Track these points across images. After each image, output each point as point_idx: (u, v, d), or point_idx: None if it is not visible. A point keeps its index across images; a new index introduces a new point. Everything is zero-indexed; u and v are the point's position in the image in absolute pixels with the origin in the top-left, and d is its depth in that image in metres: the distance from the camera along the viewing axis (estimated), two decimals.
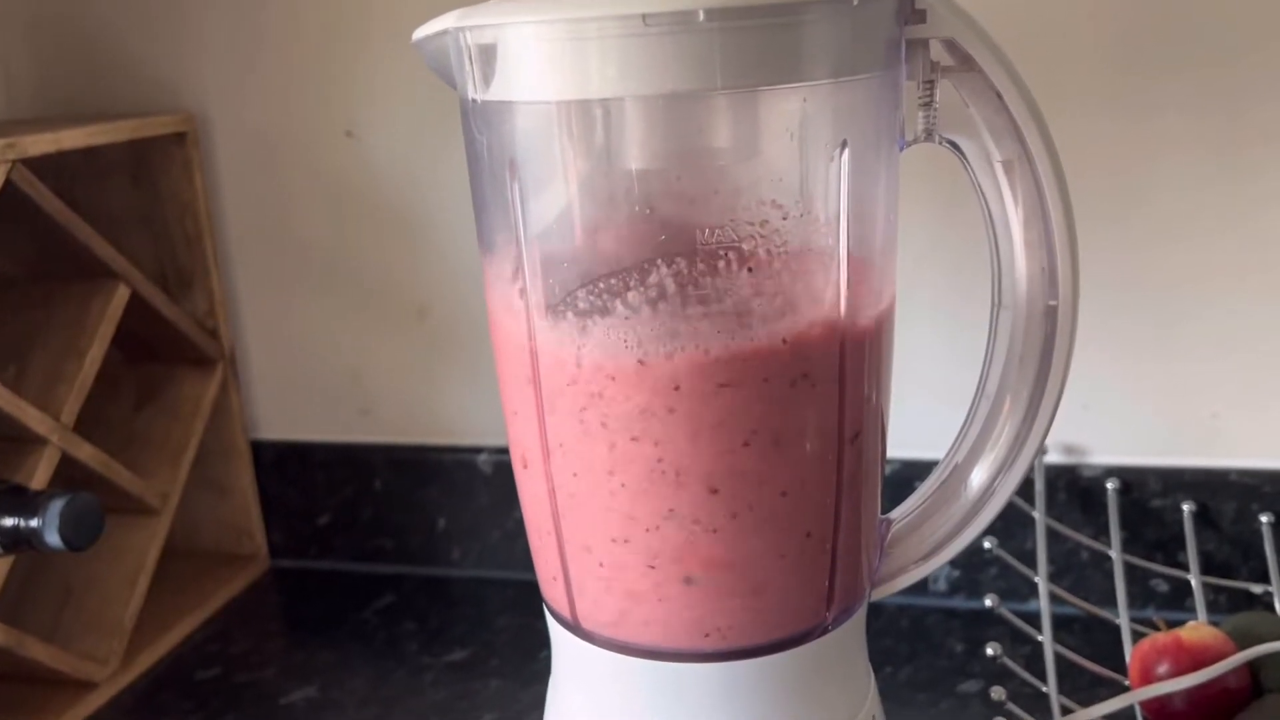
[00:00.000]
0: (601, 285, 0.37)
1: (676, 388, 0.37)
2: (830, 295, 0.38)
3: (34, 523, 0.55)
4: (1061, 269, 0.40)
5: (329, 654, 0.70)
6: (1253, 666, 0.51)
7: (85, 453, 0.66)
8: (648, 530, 0.38)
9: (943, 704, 0.61)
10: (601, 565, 0.40)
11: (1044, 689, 0.55)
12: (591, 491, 0.39)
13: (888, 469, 0.66)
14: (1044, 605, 0.60)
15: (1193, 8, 0.61)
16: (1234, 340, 0.65)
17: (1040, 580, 0.62)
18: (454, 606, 0.75)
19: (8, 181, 0.60)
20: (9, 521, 0.56)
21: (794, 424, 0.38)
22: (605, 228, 0.38)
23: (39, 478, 0.63)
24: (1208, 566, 0.66)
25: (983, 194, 0.41)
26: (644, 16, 0.33)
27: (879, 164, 0.39)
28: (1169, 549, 0.67)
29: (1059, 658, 0.57)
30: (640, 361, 0.37)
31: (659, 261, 0.37)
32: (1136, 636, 0.58)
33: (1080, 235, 0.40)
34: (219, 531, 0.82)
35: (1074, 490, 0.68)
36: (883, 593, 0.45)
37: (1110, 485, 0.67)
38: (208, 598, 0.76)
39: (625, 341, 0.37)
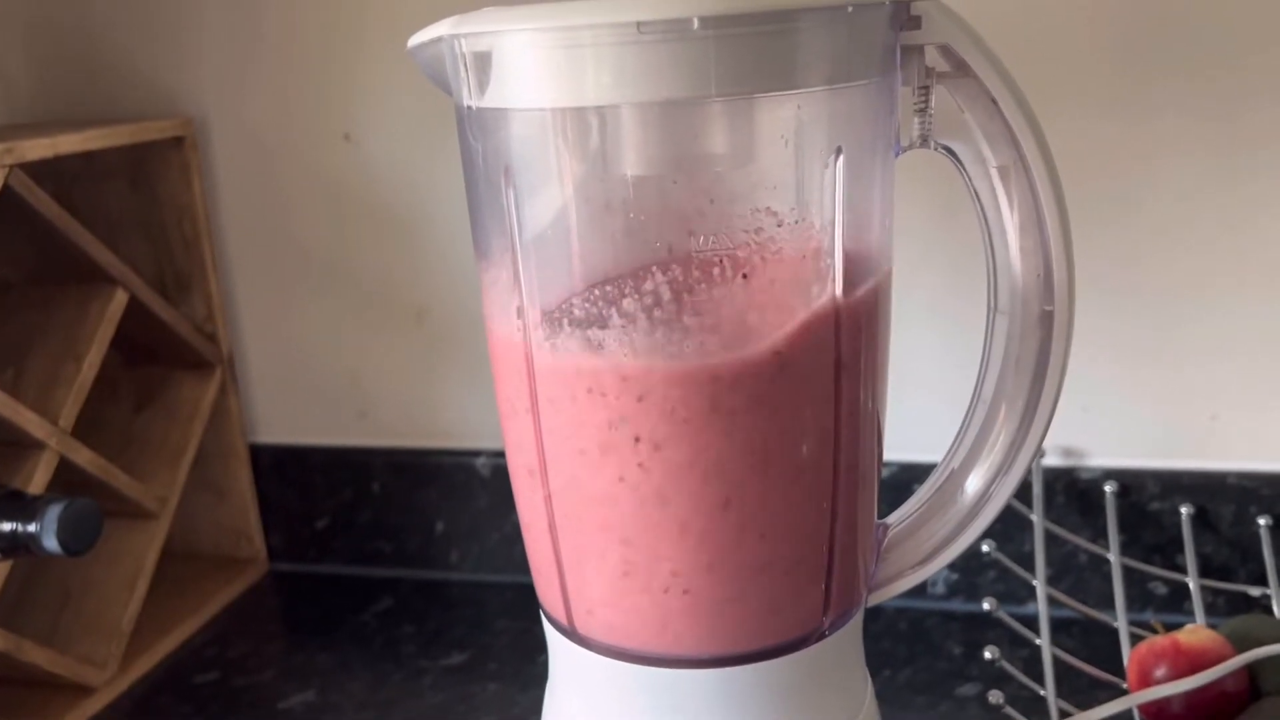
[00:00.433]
0: (597, 293, 0.37)
1: (671, 394, 0.37)
2: (825, 300, 0.38)
3: (32, 527, 0.56)
4: (1057, 274, 0.40)
5: (327, 657, 0.70)
6: (1251, 669, 0.51)
7: (83, 457, 0.66)
8: (644, 537, 0.38)
9: (941, 707, 0.61)
10: (598, 572, 0.40)
11: (1042, 692, 0.55)
12: (587, 498, 0.39)
13: (885, 471, 0.67)
14: (1042, 608, 0.60)
15: (1190, 11, 0.61)
16: (1232, 343, 0.65)
17: (1038, 583, 0.62)
18: (452, 610, 0.75)
19: (5, 186, 0.60)
20: (7, 526, 0.56)
21: (790, 430, 0.38)
22: (600, 235, 0.38)
23: (37, 482, 0.63)
24: (1206, 569, 0.66)
25: (978, 199, 0.41)
26: (639, 24, 0.33)
27: (874, 170, 0.39)
28: (1167, 552, 0.67)
29: (1057, 661, 0.57)
30: (635, 368, 0.37)
31: (654, 269, 0.37)
32: (1135, 639, 0.59)
33: (1078, 238, 0.40)
34: (217, 535, 0.82)
35: (1072, 493, 0.68)
36: (879, 598, 0.45)
37: (1108, 488, 0.67)
38: (206, 601, 0.76)
39: (620, 348, 0.37)
